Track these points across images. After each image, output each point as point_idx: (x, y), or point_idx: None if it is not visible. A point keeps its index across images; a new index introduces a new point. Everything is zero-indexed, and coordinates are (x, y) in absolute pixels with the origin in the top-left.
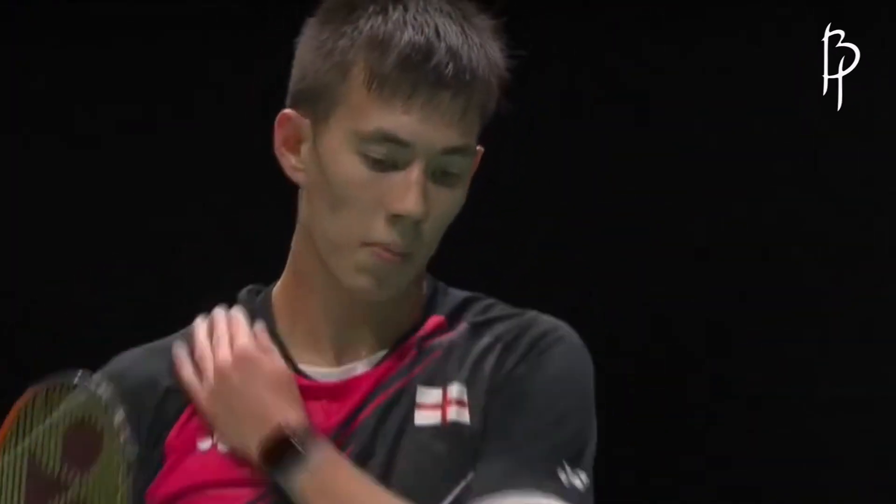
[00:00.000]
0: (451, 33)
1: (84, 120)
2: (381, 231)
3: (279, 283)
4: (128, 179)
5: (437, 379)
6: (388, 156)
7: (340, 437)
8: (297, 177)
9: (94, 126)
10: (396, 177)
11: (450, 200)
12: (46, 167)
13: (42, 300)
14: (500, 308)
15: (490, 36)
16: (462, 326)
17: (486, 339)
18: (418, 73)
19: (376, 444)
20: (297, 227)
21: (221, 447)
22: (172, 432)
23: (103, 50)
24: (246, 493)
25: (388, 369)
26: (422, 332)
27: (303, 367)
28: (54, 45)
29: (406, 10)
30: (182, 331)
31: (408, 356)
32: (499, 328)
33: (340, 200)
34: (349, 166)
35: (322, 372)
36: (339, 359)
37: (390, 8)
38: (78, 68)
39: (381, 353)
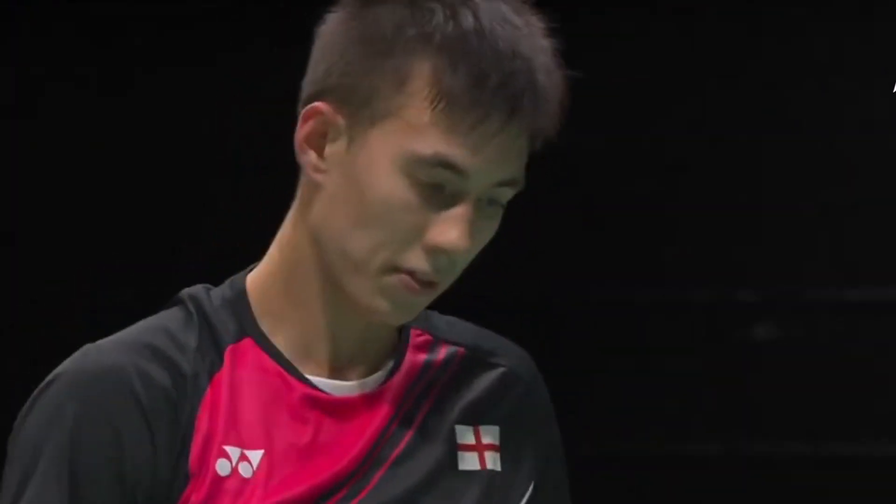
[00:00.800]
0: (526, 51)
1: (84, 119)
2: (416, 259)
3: (256, 278)
4: (128, 179)
5: (468, 416)
6: (439, 182)
7: (365, 465)
8: (316, 177)
9: (93, 126)
10: (443, 205)
11: (489, 231)
12: (46, 167)
13: (42, 300)
14: (465, 324)
15: (552, 52)
16: (455, 350)
17: (496, 372)
18: (493, 99)
19: (410, 479)
20: (298, 223)
21: (243, 470)
22: (194, 449)
23: (103, 50)
24: None
25: (399, 388)
26: (413, 348)
27: (309, 376)
28: (54, 44)
29: (477, 17)
30: (148, 323)
31: (416, 376)
32: (497, 358)
33: (373, 218)
34: (393, 186)
35: (331, 384)
36: (332, 372)
37: (460, 12)
38: (78, 68)
39: (383, 372)
